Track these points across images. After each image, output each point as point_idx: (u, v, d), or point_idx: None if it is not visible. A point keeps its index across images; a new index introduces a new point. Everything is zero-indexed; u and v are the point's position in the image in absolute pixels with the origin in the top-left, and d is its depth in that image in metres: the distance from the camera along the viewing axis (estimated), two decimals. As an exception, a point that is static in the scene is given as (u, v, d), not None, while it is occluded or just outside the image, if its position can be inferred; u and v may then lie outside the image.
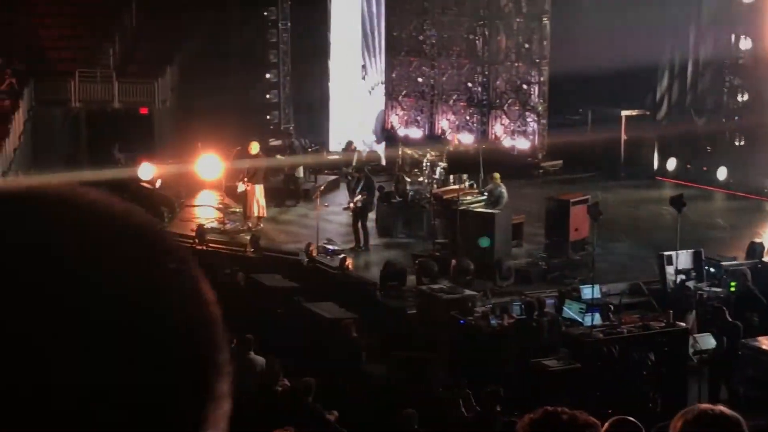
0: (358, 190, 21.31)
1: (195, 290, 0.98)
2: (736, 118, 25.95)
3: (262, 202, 22.50)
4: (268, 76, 31.83)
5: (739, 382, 14.79)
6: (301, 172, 25.56)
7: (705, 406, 3.42)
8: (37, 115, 29.95)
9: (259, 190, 22.38)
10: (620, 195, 24.64)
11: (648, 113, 27.86)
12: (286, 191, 24.49)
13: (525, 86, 28.24)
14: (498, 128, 28.90)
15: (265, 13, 31.43)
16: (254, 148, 22.83)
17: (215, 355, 0.97)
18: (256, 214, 22.31)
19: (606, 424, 3.48)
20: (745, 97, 25.58)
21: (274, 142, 29.64)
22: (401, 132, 30.48)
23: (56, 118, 30.37)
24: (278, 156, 24.77)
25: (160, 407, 0.92)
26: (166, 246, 0.98)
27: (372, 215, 21.65)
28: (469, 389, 12.84)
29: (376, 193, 21.61)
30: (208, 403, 0.95)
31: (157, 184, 25.57)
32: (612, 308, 15.85)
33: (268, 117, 31.61)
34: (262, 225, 22.30)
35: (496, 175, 19.98)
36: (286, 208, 24.07)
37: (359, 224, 20.70)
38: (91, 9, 32.25)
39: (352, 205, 21.17)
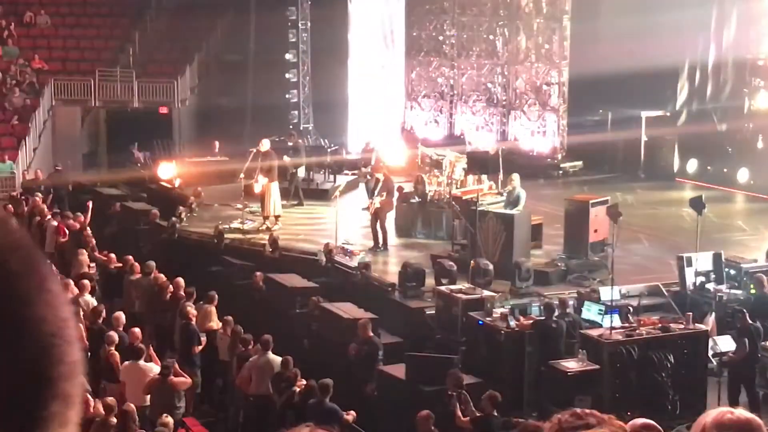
0: (376, 191, 21.29)
1: (39, 289, 0.98)
2: (757, 120, 25.80)
3: (278, 200, 22.49)
4: (287, 76, 31.87)
5: (760, 385, 14.71)
6: (302, 172, 25.37)
7: (725, 409, 3.38)
8: (57, 115, 30.09)
9: (274, 187, 22.38)
10: (640, 196, 24.55)
11: (668, 114, 27.74)
12: (286, 192, 24.38)
13: (545, 87, 28.17)
14: (518, 129, 28.84)
15: (286, 13, 31.47)
16: (264, 145, 22.81)
17: (60, 356, 0.97)
18: (273, 213, 22.32)
19: (627, 427, 3.45)
20: (766, 97, 25.42)
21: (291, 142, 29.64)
22: (421, 132, 30.45)
23: (76, 118, 30.50)
24: (284, 157, 24.77)
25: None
26: (10, 246, 0.98)
27: (391, 215, 21.62)
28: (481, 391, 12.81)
29: (396, 194, 21.58)
30: (51, 401, 0.94)
31: (176, 183, 25.64)
32: (631, 310, 15.78)
33: (291, 117, 31.64)
34: (280, 224, 22.31)
35: (515, 176, 19.92)
36: (294, 207, 24.03)
37: (378, 225, 20.68)
38: (112, 9, 32.40)
39: (370, 205, 21.15)
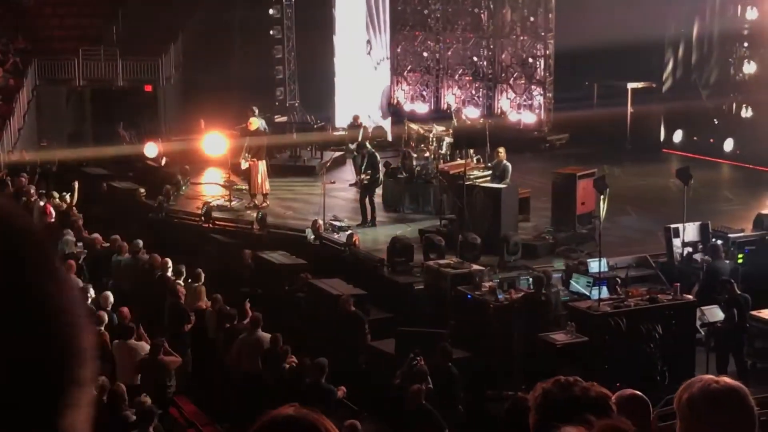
0: (363, 167, 21.27)
1: (52, 277, 0.98)
2: (742, 90, 25.83)
3: (266, 177, 22.45)
4: (273, 52, 31.72)
5: (748, 354, 14.79)
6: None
7: (709, 377, 3.39)
8: (41, 94, 29.92)
9: (262, 166, 22.33)
10: (627, 168, 24.58)
11: (654, 86, 27.74)
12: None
13: (530, 60, 28.13)
14: (504, 102, 28.82)
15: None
16: (254, 123, 22.75)
17: (77, 343, 0.98)
18: (261, 191, 22.28)
19: (613, 397, 3.46)
20: (752, 67, 25.44)
21: (279, 119, 29.60)
22: (407, 107, 30.40)
23: (60, 97, 30.35)
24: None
25: (18, 389, 0.93)
26: (20, 233, 0.98)
27: (379, 191, 21.61)
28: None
29: (381, 169, 21.55)
30: (69, 388, 0.96)
31: (163, 161, 25.56)
32: (619, 281, 15.84)
33: (277, 93, 31.52)
34: (267, 202, 22.27)
35: (501, 149, 19.92)
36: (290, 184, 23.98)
37: (366, 200, 20.68)
38: (95, -13, 32.15)
39: (357, 181, 21.15)
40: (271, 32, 31.69)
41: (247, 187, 22.71)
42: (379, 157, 21.82)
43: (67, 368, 0.96)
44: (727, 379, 3.32)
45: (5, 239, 0.97)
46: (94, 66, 30.22)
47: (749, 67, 25.50)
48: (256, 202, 22.16)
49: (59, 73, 30.09)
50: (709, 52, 26.62)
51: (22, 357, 0.93)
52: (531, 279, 15.49)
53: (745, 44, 25.56)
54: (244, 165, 22.37)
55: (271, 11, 31.47)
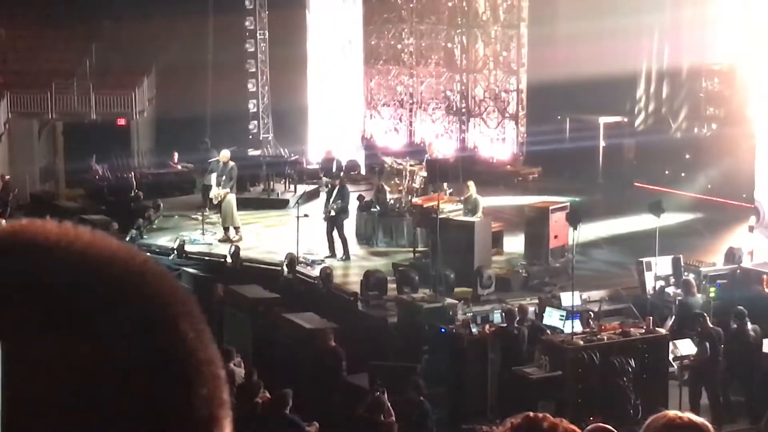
0: (332, 199, 21.27)
1: (194, 324, 1.02)
2: (713, 125, 26.05)
3: (236, 211, 22.35)
4: (248, 86, 31.75)
5: (720, 388, 14.81)
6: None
7: (673, 413, 3.40)
8: (13, 128, 29.78)
9: (232, 198, 22.24)
10: (599, 201, 24.68)
11: (626, 120, 27.93)
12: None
13: (503, 94, 28.30)
14: (477, 136, 28.94)
15: (244, 24, 31.37)
16: (224, 155, 22.73)
17: (224, 396, 1.00)
18: (234, 224, 22.22)
19: (585, 432, 3.45)
20: (724, 101, 25.67)
21: (252, 152, 29.60)
22: (381, 141, 30.48)
23: (33, 131, 30.21)
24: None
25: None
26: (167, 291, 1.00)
27: (352, 224, 21.60)
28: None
29: (351, 201, 21.53)
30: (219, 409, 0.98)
31: (140, 194, 25.51)
32: (592, 315, 15.86)
33: (250, 126, 31.55)
34: (240, 235, 22.18)
35: (470, 183, 20.02)
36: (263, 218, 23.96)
37: (334, 233, 20.65)
38: (68, 20, 32.11)
39: (326, 213, 21.14)
40: (246, 66, 31.73)
41: (220, 219, 22.62)
42: (349, 190, 21.82)
43: (219, 421, 0.98)
44: (691, 416, 3.32)
45: (159, 298, 0.98)
46: (67, 99, 30.13)
47: (719, 102, 25.73)
48: (230, 235, 22.08)
49: (31, 107, 29.96)
50: (680, 87, 26.86)
51: (171, 408, 0.94)
52: (503, 312, 15.49)
53: (715, 79, 25.81)
54: (216, 197, 22.29)
55: (245, 45, 31.52)
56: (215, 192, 22.23)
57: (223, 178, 22.21)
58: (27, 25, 32.53)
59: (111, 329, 0.93)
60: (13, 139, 29.63)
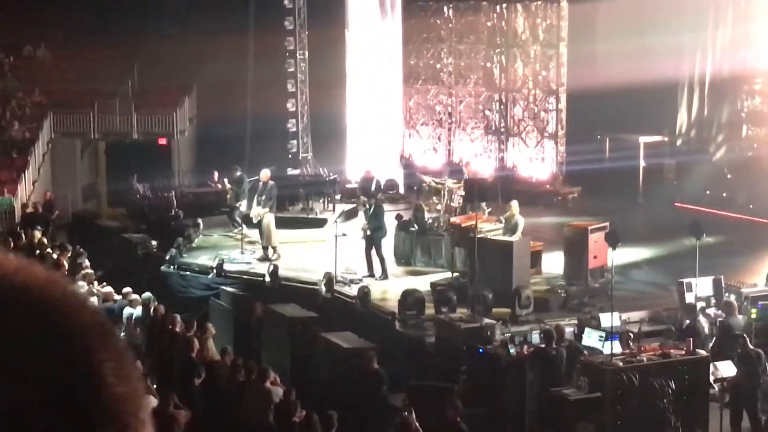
0: (367, 218, 21.31)
1: (115, 363, 0.98)
2: (755, 144, 25.85)
3: (274, 230, 22.44)
4: (288, 105, 31.91)
5: (762, 410, 14.65)
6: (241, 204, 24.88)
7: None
8: (56, 147, 30.13)
9: (271, 218, 22.34)
10: (639, 222, 24.52)
11: (666, 139, 27.77)
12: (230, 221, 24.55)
13: (542, 113, 28.24)
14: (516, 156, 28.89)
15: (284, 44, 31.57)
16: (265, 174, 22.84)
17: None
18: (272, 243, 22.30)
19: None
20: (765, 120, 25.48)
21: (291, 172, 29.74)
22: (419, 160, 30.50)
23: (75, 150, 30.55)
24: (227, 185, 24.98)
25: None
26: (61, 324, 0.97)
27: (390, 243, 21.60)
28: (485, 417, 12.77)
29: (385, 220, 21.51)
30: None
31: (180, 213, 25.69)
32: (632, 336, 15.74)
33: (289, 146, 31.70)
34: (278, 254, 22.25)
35: (514, 203, 19.93)
36: (303, 236, 24.04)
37: (372, 252, 20.66)
38: (110, 41, 32.47)
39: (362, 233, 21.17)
40: (286, 85, 31.89)
41: (259, 238, 22.71)
42: (385, 209, 21.83)
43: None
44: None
45: (67, 326, 0.97)
46: (109, 119, 30.45)
47: (761, 120, 25.53)
48: (269, 254, 22.16)
49: (74, 126, 30.31)
50: (721, 106, 26.67)
51: None
52: (541, 333, 15.42)
53: (757, 98, 25.62)
54: (256, 217, 22.40)
55: (285, 65, 31.71)
56: (255, 211, 22.35)
57: (263, 197, 22.33)
58: (70, 45, 32.94)
59: (17, 358, 0.92)
60: (55, 159, 29.98)
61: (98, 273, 20.29)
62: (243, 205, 24.07)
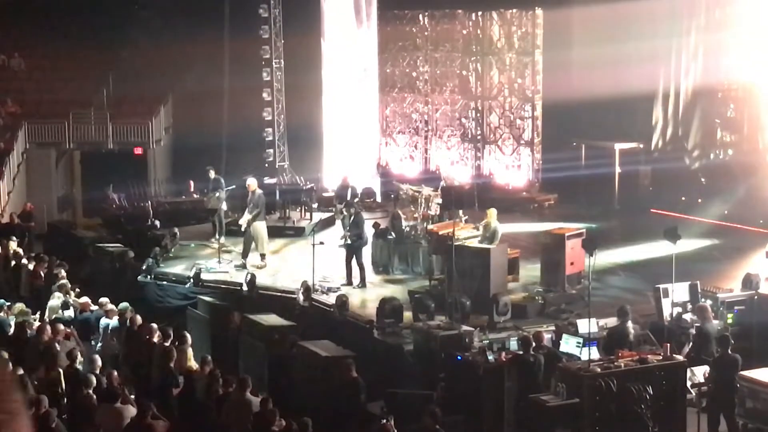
0: (347, 227, 21.31)
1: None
2: (729, 150, 26.00)
3: (265, 238, 22.42)
4: (264, 114, 31.90)
5: (739, 415, 14.71)
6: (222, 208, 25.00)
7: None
8: (30, 157, 29.98)
9: (261, 226, 22.31)
10: (615, 228, 24.62)
11: (641, 146, 27.91)
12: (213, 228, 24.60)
13: (518, 121, 28.33)
14: (492, 163, 28.96)
15: (260, 53, 31.55)
16: (251, 184, 22.81)
17: None
18: (263, 251, 22.27)
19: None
20: (739, 127, 25.63)
21: (268, 180, 29.69)
22: (396, 168, 30.53)
23: (50, 160, 30.41)
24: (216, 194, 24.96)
25: None
26: None
27: (368, 251, 21.59)
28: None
29: (366, 229, 21.54)
30: None
31: (156, 223, 25.58)
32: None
33: (266, 155, 31.67)
34: (265, 263, 22.18)
35: (492, 211, 19.98)
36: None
37: (352, 261, 20.65)
38: (85, 51, 32.37)
39: (342, 241, 21.16)
40: (262, 94, 31.87)
41: (243, 247, 22.59)
42: (364, 217, 21.83)
43: None
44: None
45: None
46: (84, 129, 30.33)
47: (735, 127, 25.68)
48: (257, 263, 22.09)
49: (49, 136, 30.18)
50: (695, 112, 26.81)
51: None
52: (519, 340, 15.44)
53: (731, 105, 25.77)
54: (244, 224, 22.33)
55: (261, 74, 31.68)
56: (244, 218, 22.32)
57: (251, 205, 22.30)
58: (44, 55, 32.82)
59: None
60: (30, 169, 29.83)
61: (76, 289, 20.18)
62: (225, 205, 24.25)
